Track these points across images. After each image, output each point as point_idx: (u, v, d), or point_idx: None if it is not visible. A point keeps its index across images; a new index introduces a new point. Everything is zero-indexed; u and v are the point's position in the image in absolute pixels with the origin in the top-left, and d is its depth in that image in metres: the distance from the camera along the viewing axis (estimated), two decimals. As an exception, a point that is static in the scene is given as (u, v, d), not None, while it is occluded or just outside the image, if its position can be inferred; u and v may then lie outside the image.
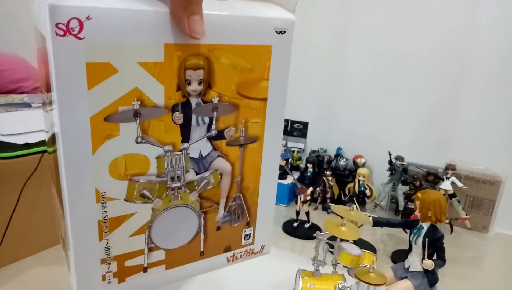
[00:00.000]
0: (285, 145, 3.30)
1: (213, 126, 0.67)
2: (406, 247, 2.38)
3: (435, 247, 1.32)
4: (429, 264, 1.29)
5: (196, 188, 0.67)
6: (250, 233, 0.81)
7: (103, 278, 0.65)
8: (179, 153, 0.64)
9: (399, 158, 2.87)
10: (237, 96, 0.66)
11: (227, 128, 0.68)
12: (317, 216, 2.74)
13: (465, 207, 2.86)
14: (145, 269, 0.69)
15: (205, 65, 0.61)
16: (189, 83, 0.61)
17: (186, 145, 0.64)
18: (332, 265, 1.47)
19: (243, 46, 0.62)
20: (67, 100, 0.51)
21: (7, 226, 1.67)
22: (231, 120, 0.68)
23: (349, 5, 3.08)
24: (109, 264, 0.64)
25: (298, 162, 3.20)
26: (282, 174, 2.95)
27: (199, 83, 0.62)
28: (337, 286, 1.36)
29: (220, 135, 0.67)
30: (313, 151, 3.18)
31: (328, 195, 2.92)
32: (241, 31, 0.60)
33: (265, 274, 1.79)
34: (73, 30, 0.49)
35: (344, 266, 1.40)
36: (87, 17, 0.49)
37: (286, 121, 3.31)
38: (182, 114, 0.62)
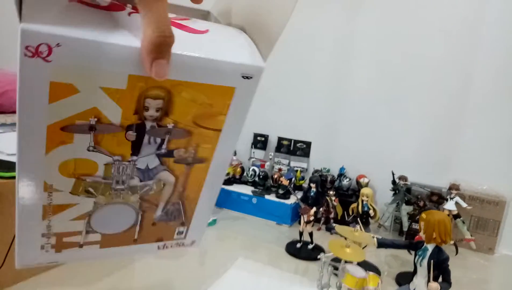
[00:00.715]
0: (288, 165, 3.31)
1: (164, 146, 0.70)
2: (411, 269, 2.35)
3: (440, 269, 1.30)
4: (434, 287, 1.27)
5: (139, 192, 0.72)
6: (183, 231, 0.86)
7: (42, 247, 0.72)
8: (127, 163, 0.68)
9: (403, 177, 2.86)
10: (192, 125, 0.68)
11: (177, 148, 0.71)
12: (321, 237, 2.72)
13: (469, 228, 2.83)
14: (80, 245, 0.75)
15: (165, 96, 0.63)
16: (147, 109, 0.64)
17: (135, 158, 0.68)
18: (337, 287, 1.45)
19: (207, 85, 0.63)
20: (27, 109, 0.54)
21: (10, 247, 1.67)
22: (182, 143, 0.71)
23: (351, 24, 3.13)
24: (49, 237, 0.71)
25: (301, 181, 3.19)
26: (285, 194, 2.95)
27: (157, 110, 0.64)
28: (342, 309, 1.34)
29: (169, 154, 0.70)
30: (316, 171, 3.18)
31: (332, 215, 2.90)
32: (207, 72, 0.61)
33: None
34: (42, 54, 0.51)
35: (348, 289, 1.39)
36: (56, 44, 0.51)
37: (289, 140, 3.32)
38: (135, 133, 0.65)
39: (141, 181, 0.72)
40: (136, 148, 0.68)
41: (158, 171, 0.73)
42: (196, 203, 0.82)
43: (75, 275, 1.88)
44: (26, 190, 0.65)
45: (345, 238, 1.40)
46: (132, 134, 0.65)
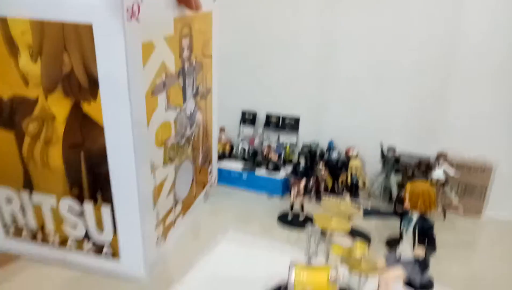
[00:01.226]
0: (278, 140, 3.31)
1: (195, 84, 0.79)
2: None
3: (425, 235, 1.33)
4: (419, 252, 1.30)
5: (190, 141, 0.81)
6: (211, 170, 1.03)
7: (157, 242, 0.76)
8: (183, 113, 0.75)
9: (391, 148, 2.89)
10: (201, 56, 0.80)
11: (199, 84, 0.81)
12: (311, 208, 2.76)
13: (457, 194, 2.89)
14: (174, 223, 0.82)
15: (189, 32, 0.73)
16: (183, 50, 0.72)
17: (184, 105, 0.76)
18: (325, 256, 1.48)
19: (204, 13, 0.77)
20: (131, 77, 0.56)
21: None
22: (200, 78, 0.82)
23: (338, 3, 3.08)
24: (158, 227, 0.75)
25: (290, 156, 3.21)
26: (275, 169, 2.97)
27: (188, 49, 0.74)
28: (329, 276, 1.37)
29: (197, 92, 0.81)
30: (305, 145, 3.20)
31: (322, 187, 2.94)
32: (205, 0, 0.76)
33: (259, 267, 1.81)
34: (135, 14, 0.54)
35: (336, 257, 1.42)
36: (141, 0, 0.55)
37: (277, 116, 3.32)
38: (182, 77, 0.74)
39: (190, 128, 0.80)
40: (184, 93, 0.76)
41: (195, 113, 0.82)
42: (212, 135, 0.95)
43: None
44: (142, 178, 0.65)
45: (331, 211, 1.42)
46: (181, 80, 0.73)
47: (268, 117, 3.35)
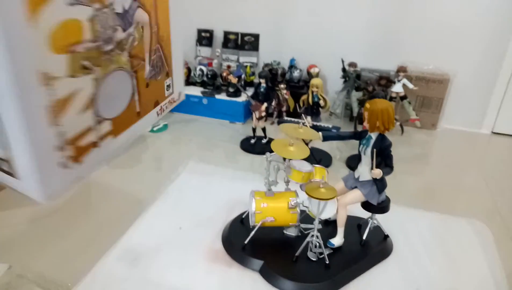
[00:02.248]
0: (237, 61, 3.17)
1: None
2: (360, 152, 2.47)
3: (383, 155, 1.33)
4: (377, 173, 1.32)
5: (125, 47, 0.71)
6: (170, 83, 0.92)
7: (61, 164, 0.67)
8: (107, 10, 0.64)
9: (352, 64, 2.83)
10: None
11: None
12: (274, 131, 2.75)
13: (415, 108, 2.94)
14: (96, 144, 0.73)
15: None
16: None
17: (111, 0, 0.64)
18: (285, 182, 1.48)
19: None
20: None
21: None
22: None
23: None
24: (63, 148, 0.66)
25: (251, 77, 3.10)
26: (236, 92, 2.87)
27: None
28: (289, 203, 1.38)
29: None
30: (266, 65, 3.08)
31: (284, 108, 2.90)
32: None
33: (221, 196, 1.81)
34: None
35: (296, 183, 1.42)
36: None
37: (236, 34, 3.13)
38: None
39: (124, 30, 0.69)
40: None
41: (134, 10, 0.71)
42: (170, 43, 0.87)
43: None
44: (25, 90, 0.52)
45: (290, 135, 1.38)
46: None
47: (226, 35, 3.16)
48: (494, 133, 2.95)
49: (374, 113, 1.31)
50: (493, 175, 2.29)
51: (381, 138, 1.34)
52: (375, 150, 1.32)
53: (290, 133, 1.39)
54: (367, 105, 1.34)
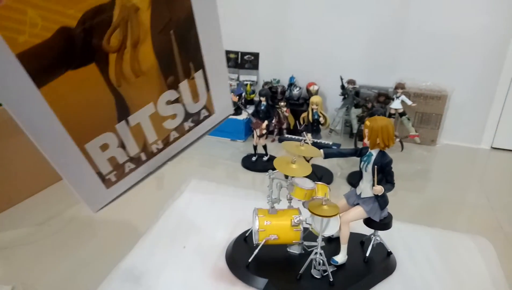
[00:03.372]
0: (238, 79, 3.21)
1: None
2: (361, 169, 2.48)
3: (384, 172, 1.35)
4: (378, 189, 1.33)
5: None
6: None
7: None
8: None
9: (351, 81, 2.87)
10: None
11: None
12: (275, 148, 2.77)
13: (414, 124, 2.97)
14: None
15: None
16: None
17: None
18: (287, 200, 1.49)
19: None
20: None
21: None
22: None
23: None
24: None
25: (251, 96, 3.14)
26: (237, 110, 2.90)
27: None
28: (292, 220, 1.39)
29: None
30: (266, 83, 3.12)
31: (284, 126, 2.92)
32: None
33: (224, 214, 1.82)
34: None
35: (299, 200, 1.43)
36: None
37: (236, 53, 3.18)
38: None
39: None
40: None
41: None
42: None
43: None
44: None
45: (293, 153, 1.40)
46: None
47: (226, 54, 3.20)
48: (494, 148, 2.97)
49: (374, 130, 1.33)
50: (494, 190, 2.30)
51: (382, 155, 1.36)
52: (376, 166, 1.33)
53: (291, 150, 1.41)
54: (367, 122, 1.36)
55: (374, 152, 1.37)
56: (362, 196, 1.40)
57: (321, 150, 1.42)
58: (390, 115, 2.75)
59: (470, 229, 1.82)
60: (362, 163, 1.40)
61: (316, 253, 1.37)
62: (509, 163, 2.78)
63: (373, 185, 1.34)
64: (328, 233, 1.35)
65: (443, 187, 2.34)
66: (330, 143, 2.48)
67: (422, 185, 2.37)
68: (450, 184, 2.39)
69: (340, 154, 1.48)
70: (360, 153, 1.42)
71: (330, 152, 1.45)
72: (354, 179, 2.36)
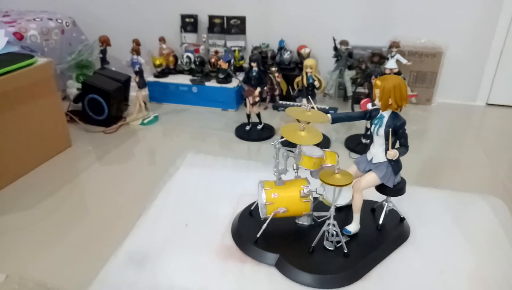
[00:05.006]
0: (224, 45, 3.05)
1: None
2: (358, 131, 2.41)
3: (397, 134, 1.26)
4: (393, 154, 1.24)
5: None
6: None
7: None
8: None
9: (344, 42, 2.75)
10: None
11: None
12: (269, 116, 2.66)
13: (409, 83, 2.89)
14: None
15: None
16: None
17: None
18: (294, 169, 1.41)
19: None
20: None
21: None
22: None
23: None
24: None
25: (241, 62, 2.99)
26: (226, 78, 2.76)
27: None
28: (301, 191, 1.31)
29: None
30: (255, 48, 2.96)
31: (277, 92, 2.81)
32: None
33: (226, 187, 1.72)
34: None
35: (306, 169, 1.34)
36: None
37: (221, 18, 3.00)
38: None
39: None
40: None
41: None
42: None
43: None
44: None
45: (298, 120, 1.30)
46: None
47: (211, 20, 3.03)
48: (489, 104, 2.93)
49: (386, 90, 1.23)
50: (492, 147, 2.27)
51: (394, 116, 1.27)
52: (390, 129, 1.24)
53: (298, 117, 1.31)
54: (378, 82, 1.26)
55: (386, 114, 1.28)
56: (374, 161, 1.32)
57: (329, 115, 1.32)
58: (385, 76, 2.65)
59: (474, 189, 1.78)
60: (373, 126, 1.31)
61: (328, 224, 1.29)
62: (505, 119, 2.74)
63: (387, 149, 1.26)
64: (341, 202, 1.28)
65: (442, 146, 2.30)
66: (327, 107, 2.38)
67: (421, 146, 2.32)
68: (449, 143, 2.34)
69: (348, 118, 1.38)
70: (370, 116, 1.33)
71: (338, 116, 1.35)
72: (352, 143, 2.29)
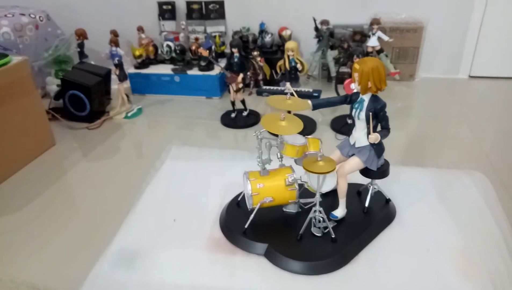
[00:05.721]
0: (204, 32, 2.99)
1: None
2: (343, 113, 2.41)
3: (378, 117, 1.27)
4: (374, 137, 1.25)
5: None
6: None
7: None
8: None
9: (325, 22, 2.72)
10: None
11: None
12: (253, 102, 2.64)
13: (392, 60, 2.88)
14: None
15: None
16: None
17: None
18: (278, 158, 1.40)
19: None
20: None
21: None
22: None
23: None
24: None
25: (222, 48, 2.94)
26: (208, 66, 2.72)
27: None
28: (286, 180, 1.31)
29: None
30: (235, 33, 2.92)
31: (260, 77, 2.79)
32: None
33: (213, 179, 1.72)
34: None
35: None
36: None
37: (199, 3, 2.93)
38: None
39: None
40: None
41: None
42: None
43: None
44: None
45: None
46: None
47: (189, 5, 2.96)
48: (472, 77, 2.94)
49: (364, 73, 1.23)
50: (475, 120, 2.29)
51: (374, 99, 1.27)
52: (370, 113, 1.24)
53: (278, 106, 1.30)
54: (356, 65, 1.25)
55: (366, 97, 1.28)
56: (357, 145, 1.32)
57: (309, 102, 1.32)
58: (367, 54, 2.63)
59: (459, 164, 1.81)
60: (354, 110, 1.31)
61: (315, 211, 1.31)
62: (488, 90, 2.77)
63: (369, 133, 1.26)
64: (325, 189, 1.29)
65: (426, 122, 2.31)
66: (311, 90, 2.37)
67: (405, 123, 2.33)
68: (433, 118, 2.36)
69: (328, 103, 1.38)
70: (350, 100, 1.32)
71: (318, 103, 1.35)
72: (338, 124, 2.30)
